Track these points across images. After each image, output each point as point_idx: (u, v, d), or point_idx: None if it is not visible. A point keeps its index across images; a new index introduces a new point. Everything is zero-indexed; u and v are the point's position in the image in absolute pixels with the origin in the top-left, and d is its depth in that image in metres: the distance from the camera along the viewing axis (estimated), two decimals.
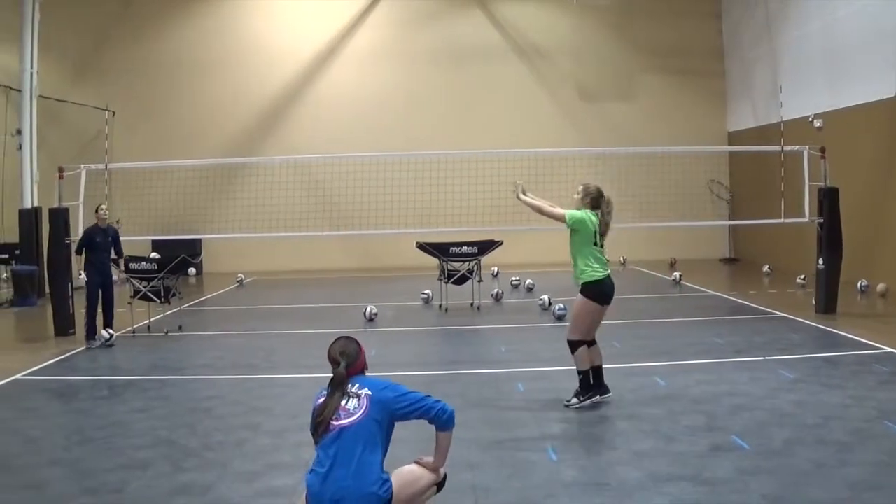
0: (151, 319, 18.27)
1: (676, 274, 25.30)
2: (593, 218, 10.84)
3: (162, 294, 17.82)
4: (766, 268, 27.10)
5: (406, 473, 6.46)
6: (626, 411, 10.53)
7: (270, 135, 32.42)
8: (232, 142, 31.68)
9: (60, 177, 18.39)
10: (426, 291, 21.38)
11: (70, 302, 17.84)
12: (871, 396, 10.85)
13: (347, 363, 6.48)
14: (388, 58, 32.95)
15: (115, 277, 17.65)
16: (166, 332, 17.57)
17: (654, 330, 16.94)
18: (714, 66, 33.47)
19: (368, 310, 18.75)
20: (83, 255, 16.96)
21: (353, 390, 6.38)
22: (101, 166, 19.80)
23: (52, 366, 14.60)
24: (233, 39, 32.64)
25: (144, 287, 17.72)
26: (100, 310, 16.75)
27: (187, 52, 32.36)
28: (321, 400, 6.43)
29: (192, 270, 29.50)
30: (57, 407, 11.90)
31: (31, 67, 23.35)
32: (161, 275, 17.67)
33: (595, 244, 10.86)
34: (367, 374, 6.62)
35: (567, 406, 10.81)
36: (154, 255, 24.43)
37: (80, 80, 30.87)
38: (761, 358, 13.58)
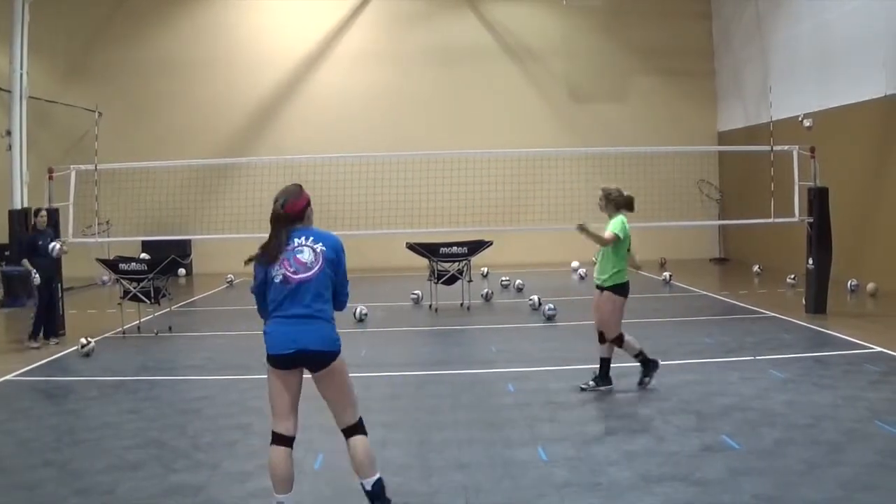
0: (141, 320, 18.26)
1: (666, 274, 25.35)
2: (627, 227, 11.48)
3: (152, 295, 17.82)
4: (756, 267, 27.14)
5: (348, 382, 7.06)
6: (617, 411, 10.55)
7: (260, 135, 32.42)
8: (222, 142, 31.66)
9: (50, 178, 18.35)
10: (416, 292, 21.38)
11: (60, 303, 17.79)
12: (862, 396, 10.87)
13: (284, 201, 6.96)
14: (379, 58, 32.94)
15: (105, 277, 17.57)
16: (156, 333, 17.56)
17: (644, 330, 16.87)
18: (704, 66, 33.55)
19: (358, 310, 18.75)
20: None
21: (308, 243, 6.89)
22: (91, 167, 19.76)
23: (42, 367, 14.58)
24: (223, 40, 32.61)
25: (134, 288, 17.71)
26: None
27: (178, 53, 32.32)
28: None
29: (181, 271, 29.44)
30: (48, 408, 11.87)
31: (21, 68, 23.22)
32: (151, 275, 17.67)
33: (628, 250, 11.57)
34: (310, 223, 7.11)
35: (641, 385, 11.57)
36: (144, 255, 24.38)
37: (70, 80, 30.82)
38: (752, 358, 13.60)
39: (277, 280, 6.85)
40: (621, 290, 11.41)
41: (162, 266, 17.87)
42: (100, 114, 21.13)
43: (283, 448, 6.92)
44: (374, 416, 10.54)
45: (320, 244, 6.88)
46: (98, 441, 9.71)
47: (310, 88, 33.02)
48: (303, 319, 6.74)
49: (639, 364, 11.63)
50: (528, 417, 10.37)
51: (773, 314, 18.30)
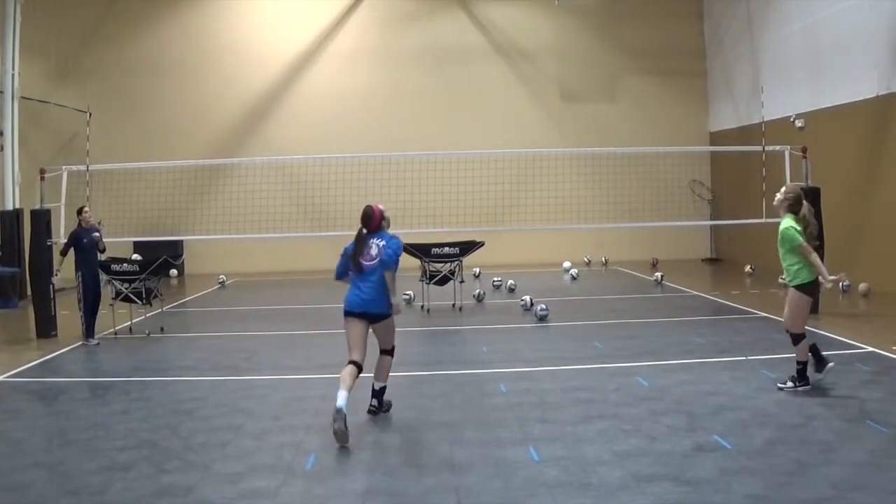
0: (133, 321, 18.22)
1: (658, 274, 25.34)
2: (796, 226, 11.34)
3: (143, 296, 17.79)
4: (747, 268, 27.16)
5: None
6: (609, 411, 10.55)
7: (253, 135, 32.37)
8: (214, 142, 31.62)
9: (42, 178, 18.32)
10: (408, 292, 21.33)
11: (52, 304, 17.78)
12: (853, 396, 10.90)
13: (366, 224, 10.64)
14: (371, 58, 32.92)
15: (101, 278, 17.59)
16: (148, 334, 17.53)
17: (636, 330, 16.96)
18: (696, 66, 33.56)
19: None
20: (70, 257, 16.99)
21: (376, 242, 10.55)
22: (83, 167, 19.74)
23: (34, 368, 14.55)
24: (215, 40, 32.57)
25: (126, 289, 17.67)
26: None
27: (170, 53, 32.26)
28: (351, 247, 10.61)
29: (173, 272, 29.46)
30: (39, 409, 11.85)
31: (13, 68, 23.24)
32: (143, 276, 17.63)
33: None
34: (386, 229, 10.73)
35: (782, 389, 11.35)
36: (136, 256, 24.36)
37: (62, 80, 30.72)
38: (743, 358, 13.62)
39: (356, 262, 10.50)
40: (805, 288, 11.32)
41: (154, 267, 17.84)
42: (90, 114, 21.04)
43: (353, 367, 10.16)
44: (366, 417, 10.57)
45: (383, 242, 10.52)
46: (89, 442, 9.70)
47: (302, 88, 32.97)
48: (367, 292, 10.36)
49: (798, 369, 11.40)
50: (520, 418, 10.38)
51: (765, 314, 18.33)
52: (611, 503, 7.51)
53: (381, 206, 10.83)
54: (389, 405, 10.83)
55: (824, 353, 11.70)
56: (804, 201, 11.53)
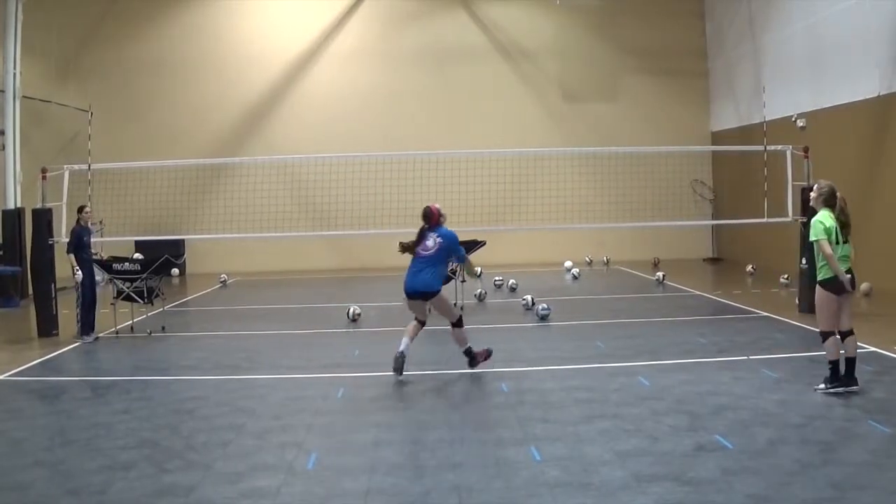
0: (134, 320, 18.20)
1: (660, 274, 25.33)
2: (827, 223, 11.22)
3: (145, 295, 17.77)
4: (749, 267, 27.15)
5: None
6: (610, 411, 10.54)
7: (254, 135, 32.38)
8: (215, 142, 31.61)
9: (44, 177, 18.30)
10: None
11: (53, 303, 17.78)
12: (854, 395, 10.87)
13: (425, 221, 13.05)
14: (372, 58, 32.93)
15: (98, 277, 17.62)
16: (149, 333, 17.52)
17: (638, 330, 16.94)
18: (697, 66, 33.56)
19: (352, 310, 18.73)
20: (72, 255, 17.07)
21: (433, 236, 12.86)
22: (84, 167, 19.73)
23: (35, 367, 14.54)
24: (216, 40, 32.58)
25: (128, 288, 17.66)
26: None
27: (171, 53, 32.27)
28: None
29: (175, 271, 29.45)
30: (40, 408, 11.86)
31: (15, 68, 23.21)
32: (144, 275, 17.62)
33: (837, 242, 11.27)
34: (443, 225, 13.08)
35: (816, 390, 11.20)
36: (137, 255, 24.36)
37: (63, 80, 30.74)
38: (745, 357, 13.61)
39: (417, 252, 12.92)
40: (826, 285, 11.25)
41: (155, 266, 17.83)
42: (91, 114, 21.01)
43: (416, 322, 12.98)
44: (367, 416, 10.58)
45: (439, 238, 12.83)
46: (90, 441, 9.69)
47: (303, 88, 32.99)
48: (419, 275, 12.76)
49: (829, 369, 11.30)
50: (521, 417, 10.37)
51: (767, 314, 18.30)
52: (612, 503, 7.51)
53: (437, 206, 13.19)
54: (475, 356, 13.16)
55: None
56: (838, 193, 11.45)
